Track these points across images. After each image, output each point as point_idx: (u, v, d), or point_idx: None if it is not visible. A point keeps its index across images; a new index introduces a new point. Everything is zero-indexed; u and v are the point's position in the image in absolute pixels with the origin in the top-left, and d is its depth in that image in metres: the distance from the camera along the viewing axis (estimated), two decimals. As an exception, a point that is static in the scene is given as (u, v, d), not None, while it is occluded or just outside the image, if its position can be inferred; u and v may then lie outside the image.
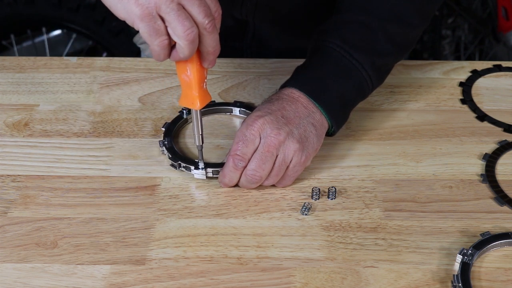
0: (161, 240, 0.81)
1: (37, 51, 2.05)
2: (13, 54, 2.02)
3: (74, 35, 1.99)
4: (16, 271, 0.77)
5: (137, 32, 1.34)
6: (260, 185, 0.86)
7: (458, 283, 0.74)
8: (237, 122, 0.98)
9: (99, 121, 0.98)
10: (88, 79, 1.06)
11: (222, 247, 0.80)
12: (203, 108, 0.84)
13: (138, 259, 0.79)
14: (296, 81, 0.90)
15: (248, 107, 0.98)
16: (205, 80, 0.83)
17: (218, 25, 0.79)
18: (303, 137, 0.85)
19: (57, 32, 2.06)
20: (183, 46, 0.75)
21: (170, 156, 0.90)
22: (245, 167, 0.85)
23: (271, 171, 0.85)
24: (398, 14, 0.93)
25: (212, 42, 0.78)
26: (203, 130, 0.86)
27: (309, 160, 0.87)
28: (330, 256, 0.80)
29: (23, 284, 0.76)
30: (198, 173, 0.88)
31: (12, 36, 2.01)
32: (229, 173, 0.85)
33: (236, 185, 0.87)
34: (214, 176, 0.88)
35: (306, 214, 0.84)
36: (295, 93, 0.88)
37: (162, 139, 0.92)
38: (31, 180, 0.88)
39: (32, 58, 1.10)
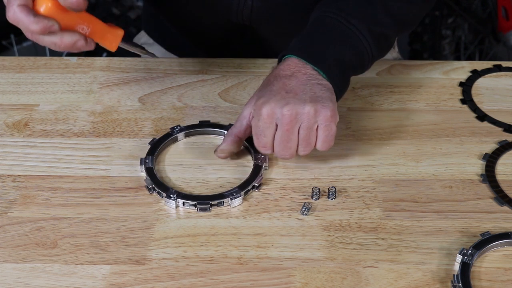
0: (161, 240, 0.81)
1: (37, 51, 2.05)
2: (13, 54, 2.02)
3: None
4: (16, 271, 0.77)
5: (137, 33, 1.34)
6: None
7: (458, 283, 0.74)
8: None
9: (99, 121, 0.98)
10: (88, 79, 1.06)
11: (222, 247, 0.80)
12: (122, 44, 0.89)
13: (138, 259, 0.79)
14: (293, 49, 0.90)
15: None
16: (103, 26, 0.86)
17: None
18: (314, 97, 0.84)
19: (57, 32, 2.06)
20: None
21: (146, 177, 0.87)
22: (272, 151, 0.86)
23: (301, 143, 0.84)
24: None
25: (46, 45, 0.81)
26: (142, 47, 0.92)
27: (335, 113, 0.84)
28: (330, 256, 0.80)
29: (23, 284, 0.76)
30: (169, 202, 0.84)
31: (12, 36, 2.01)
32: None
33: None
34: (184, 207, 0.85)
35: (306, 214, 0.84)
36: (291, 64, 0.88)
37: (144, 156, 0.90)
38: (31, 180, 0.88)
39: (32, 58, 1.10)
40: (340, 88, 0.89)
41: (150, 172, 0.88)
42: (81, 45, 0.83)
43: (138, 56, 1.31)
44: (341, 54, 0.89)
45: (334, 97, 0.86)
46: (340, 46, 0.89)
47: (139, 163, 0.90)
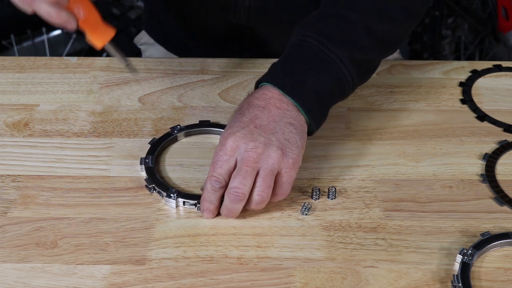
0: (161, 240, 0.81)
1: (37, 51, 2.05)
2: (13, 54, 2.02)
3: (74, 35, 1.99)
4: (16, 271, 0.77)
5: (138, 33, 1.34)
6: (249, 209, 0.83)
7: (458, 283, 0.74)
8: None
9: (99, 121, 0.98)
10: (88, 79, 1.06)
11: (222, 247, 0.80)
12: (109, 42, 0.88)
13: (138, 259, 0.79)
14: (270, 76, 0.86)
15: None
16: (98, 19, 0.87)
17: None
18: (282, 140, 0.81)
19: (57, 32, 2.06)
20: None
21: (146, 177, 0.87)
22: (224, 188, 0.81)
23: (259, 185, 0.80)
24: (382, 9, 0.89)
25: (40, 13, 0.81)
26: (126, 59, 0.90)
27: (298, 161, 0.82)
28: (330, 256, 0.80)
29: (23, 284, 0.76)
30: (169, 201, 0.85)
31: (12, 36, 2.01)
32: (208, 195, 0.81)
33: (218, 215, 0.83)
34: (184, 206, 0.85)
35: (306, 214, 0.84)
36: (267, 93, 0.84)
37: (144, 156, 0.90)
38: (31, 180, 0.88)
39: (32, 58, 1.10)
40: (316, 121, 0.85)
41: (150, 171, 0.88)
42: (71, 27, 0.84)
43: (139, 56, 1.31)
44: (320, 85, 0.85)
45: (303, 140, 0.83)
46: (320, 76, 0.85)
47: (139, 163, 0.90)
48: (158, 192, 0.86)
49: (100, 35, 0.87)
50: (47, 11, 0.82)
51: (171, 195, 0.85)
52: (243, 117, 0.83)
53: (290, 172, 0.81)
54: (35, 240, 0.81)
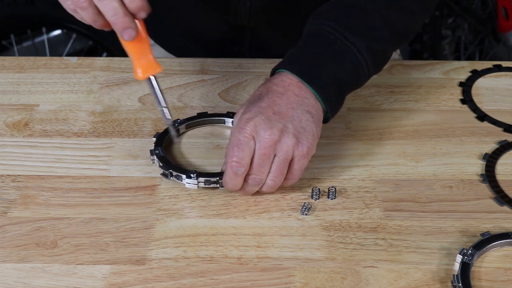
0: (161, 240, 0.81)
1: (37, 51, 2.05)
2: (13, 54, 2.02)
3: (74, 35, 1.99)
4: (16, 271, 0.77)
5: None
6: (264, 192, 0.85)
7: (458, 283, 0.74)
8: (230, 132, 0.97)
9: (99, 121, 0.98)
10: (88, 79, 1.06)
11: (222, 247, 0.80)
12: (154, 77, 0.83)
13: (138, 259, 0.79)
14: (288, 63, 0.87)
15: None
16: (148, 49, 0.82)
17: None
18: (299, 128, 0.83)
19: (57, 32, 2.06)
20: (79, 11, 0.79)
21: (161, 164, 0.88)
22: (245, 172, 0.83)
23: (273, 171, 0.83)
24: (398, 1, 0.91)
25: (105, 9, 0.78)
26: (166, 102, 0.85)
27: (312, 149, 0.84)
28: (330, 256, 0.80)
29: (23, 284, 0.76)
30: (190, 183, 0.86)
31: (12, 36, 2.01)
32: (230, 181, 0.83)
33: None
34: (206, 186, 0.86)
35: (306, 214, 0.84)
36: (286, 80, 0.85)
37: (153, 148, 0.91)
38: (31, 180, 0.89)
39: (32, 58, 1.10)
40: (333, 109, 0.87)
41: (164, 159, 0.89)
42: (128, 36, 0.80)
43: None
44: (337, 73, 0.86)
45: (319, 129, 0.85)
46: (337, 65, 0.87)
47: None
48: (176, 176, 0.87)
49: (146, 66, 0.82)
50: (114, 7, 0.77)
51: (191, 175, 0.85)
52: (261, 102, 0.84)
53: (303, 160, 0.83)
54: (35, 240, 0.81)
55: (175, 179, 0.87)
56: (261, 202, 0.86)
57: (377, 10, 0.89)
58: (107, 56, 1.87)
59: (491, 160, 0.92)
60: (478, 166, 0.92)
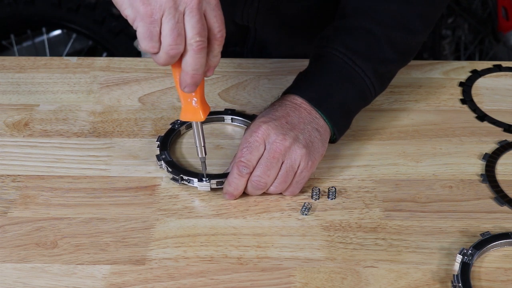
0: (161, 240, 0.81)
1: (37, 51, 2.05)
2: (13, 54, 2.02)
3: (74, 35, 1.99)
4: (16, 271, 0.77)
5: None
6: (267, 193, 0.86)
7: (458, 283, 0.74)
8: (229, 129, 0.98)
9: (99, 121, 0.98)
10: (88, 79, 1.06)
11: (222, 247, 0.80)
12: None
13: (138, 259, 0.79)
14: (298, 88, 0.90)
15: (239, 115, 0.97)
16: (203, 92, 0.82)
17: (219, 47, 0.77)
18: (308, 142, 0.85)
19: (57, 32, 2.06)
20: (161, 55, 0.74)
21: (170, 170, 0.88)
22: (250, 174, 0.84)
23: (278, 178, 0.84)
24: (402, 21, 0.92)
25: (192, 62, 0.75)
26: (205, 141, 0.85)
27: (315, 166, 0.86)
28: (330, 256, 0.80)
29: (23, 284, 0.76)
30: (202, 185, 0.86)
31: (12, 36, 2.01)
32: (234, 180, 0.84)
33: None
34: (218, 187, 0.86)
35: (306, 214, 0.84)
36: (297, 100, 0.88)
37: (158, 153, 0.90)
38: (31, 180, 0.89)
39: (32, 58, 1.10)
40: (340, 130, 0.90)
41: (172, 164, 0.89)
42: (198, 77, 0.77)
43: (139, 56, 1.31)
44: (345, 97, 0.89)
45: (324, 148, 0.87)
46: (345, 89, 0.90)
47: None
48: (187, 180, 0.87)
49: (205, 108, 0.83)
50: (202, 63, 0.75)
51: (203, 179, 0.86)
52: (275, 112, 0.86)
53: (305, 173, 0.84)
54: (35, 240, 0.81)
55: (185, 182, 0.87)
56: (261, 202, 0.86)
57: (383, 33, 0.91)
58: (107, 56, 1.86)
59: (491, 160, 0.92)
60: (478, 166, 0.92)
